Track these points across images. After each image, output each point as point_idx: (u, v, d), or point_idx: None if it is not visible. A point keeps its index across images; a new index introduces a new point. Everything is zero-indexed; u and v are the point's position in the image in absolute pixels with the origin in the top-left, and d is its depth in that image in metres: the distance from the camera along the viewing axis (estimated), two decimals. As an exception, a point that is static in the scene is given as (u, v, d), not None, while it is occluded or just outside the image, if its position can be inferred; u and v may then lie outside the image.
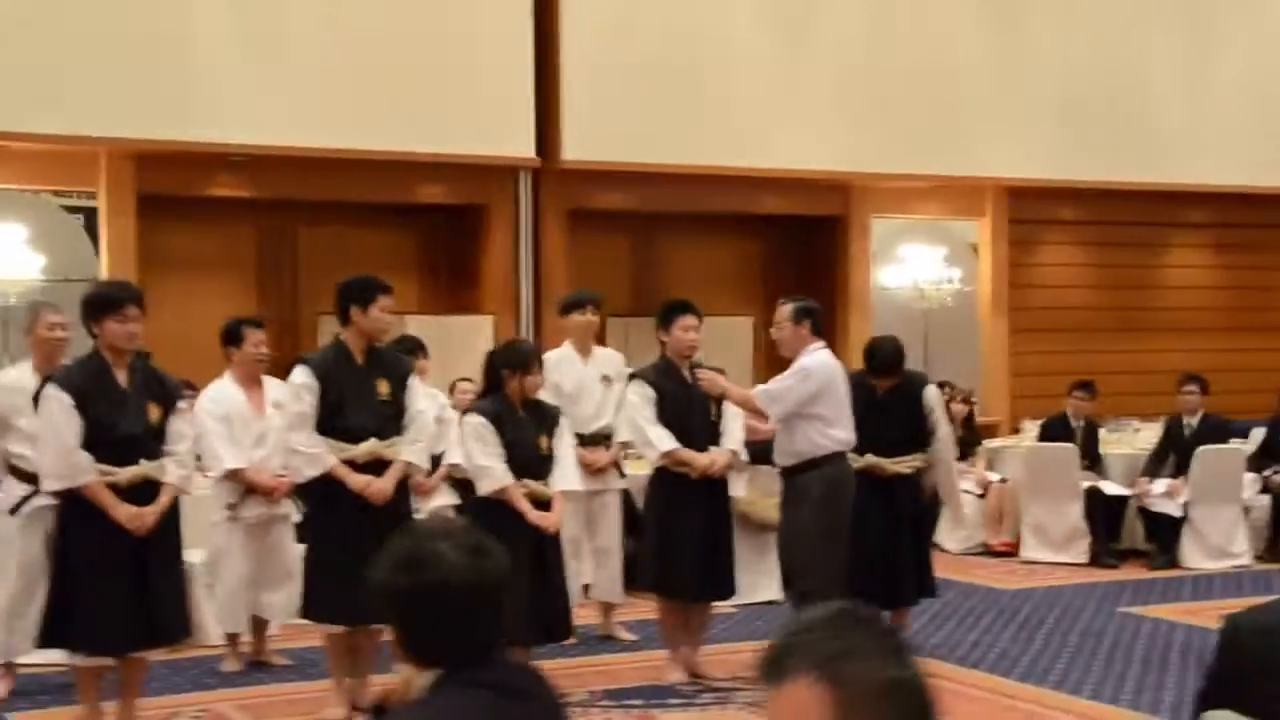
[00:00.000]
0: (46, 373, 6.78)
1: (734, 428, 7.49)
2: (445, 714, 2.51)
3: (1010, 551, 11.08)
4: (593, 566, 8.26)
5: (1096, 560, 10.68)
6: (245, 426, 7.61)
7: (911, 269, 13.91)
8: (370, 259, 12.63)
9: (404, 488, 6.85)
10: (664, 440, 7.28)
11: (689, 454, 7.28)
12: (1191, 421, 10.90)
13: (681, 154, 12.48)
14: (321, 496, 6.73)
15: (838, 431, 7.21)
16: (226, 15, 11.12)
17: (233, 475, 7.54)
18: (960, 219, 14.22)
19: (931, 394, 8.03)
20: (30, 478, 6.76)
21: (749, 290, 13.93)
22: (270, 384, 7.78)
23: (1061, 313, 14.40)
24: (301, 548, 7.91)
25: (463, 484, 8.95)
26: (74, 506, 6.16)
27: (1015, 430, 13.13)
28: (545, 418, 7.05)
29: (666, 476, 7.37)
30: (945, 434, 8.03)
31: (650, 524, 7.49)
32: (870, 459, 7.72)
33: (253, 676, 7.64)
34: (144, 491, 6.20)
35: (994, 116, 13.59)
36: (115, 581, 6.13)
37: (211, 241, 12.24)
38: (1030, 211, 14.30)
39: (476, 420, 6.87)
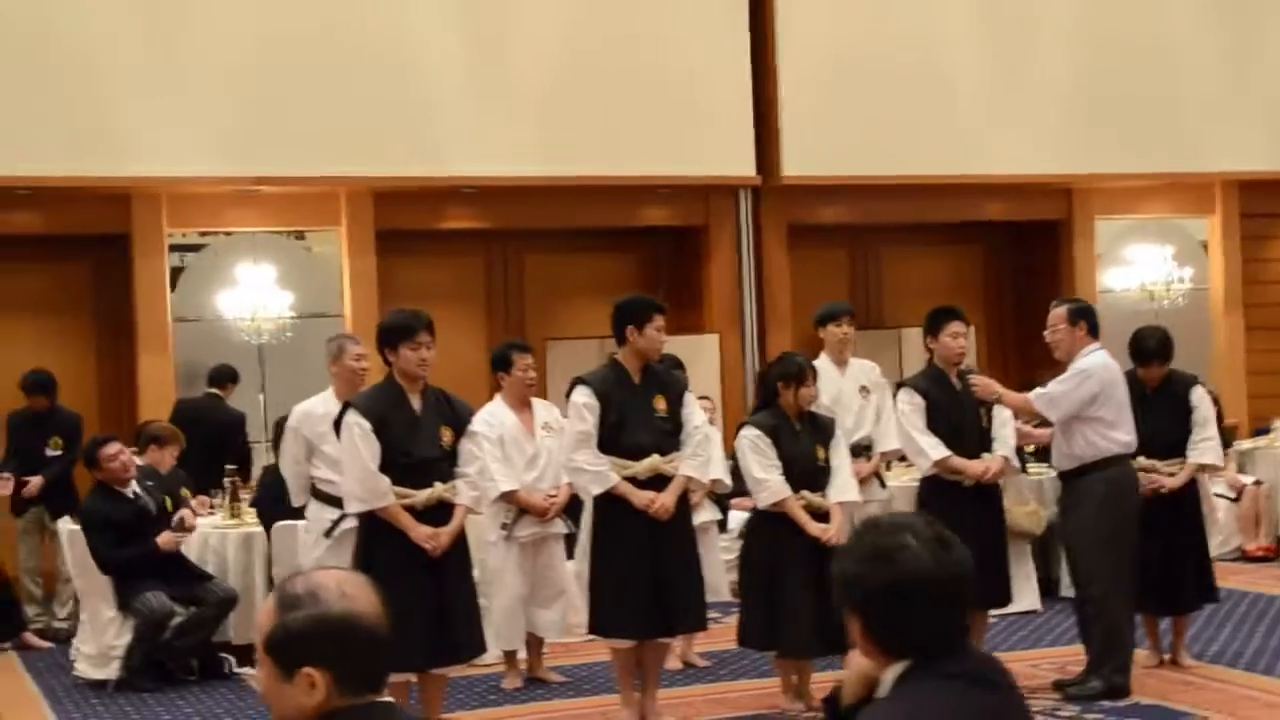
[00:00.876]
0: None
1: (1005, 434, 7.44)
2: (925, 707, 2.51)
3: (1269, 556, 10.81)
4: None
5: None
6: (518, 448, 7.79)
7: (1139, 270, 13.67)
8: (594, 283, 12.93)
9: (684, 501, 6.93)
10: (936, 448, 7.28)
11: (962, 462, 7.28)
12: None
13: (899, 165, 12.47)
14: (606, 513, 6.85)
15: (1119, 434, 7.11)
16: (453, 50, 11.41)
17: (507, 497, 7.72)
18: (1188, 217, 13.93)
19: (1199, 393, 7.83)
20: (336, 501, 7.02)
21: (969, 299, 13.57)
22: (539, 406, 7.95)
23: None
24: (572, 565, 8.14)
25: (720, 499, 9.12)
26: (375, 527, 6.40)
27: (1259, 431, 12.80)
28: (821, 429, 7.12)
29: (939, 484, 7.36)
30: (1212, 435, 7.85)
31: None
32: (1143, 461, 7.55)
33: (533, 693, 7.79)
34: (438, 512, 6.44)
35: (1219, 111, 13.29)
36: (415, 599, 6.33)
37: (443, 273, 12.56)
38: (1261, 206, 13.95)
39: (753, 433, 6.95)
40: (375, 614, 2.60)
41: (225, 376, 10.62)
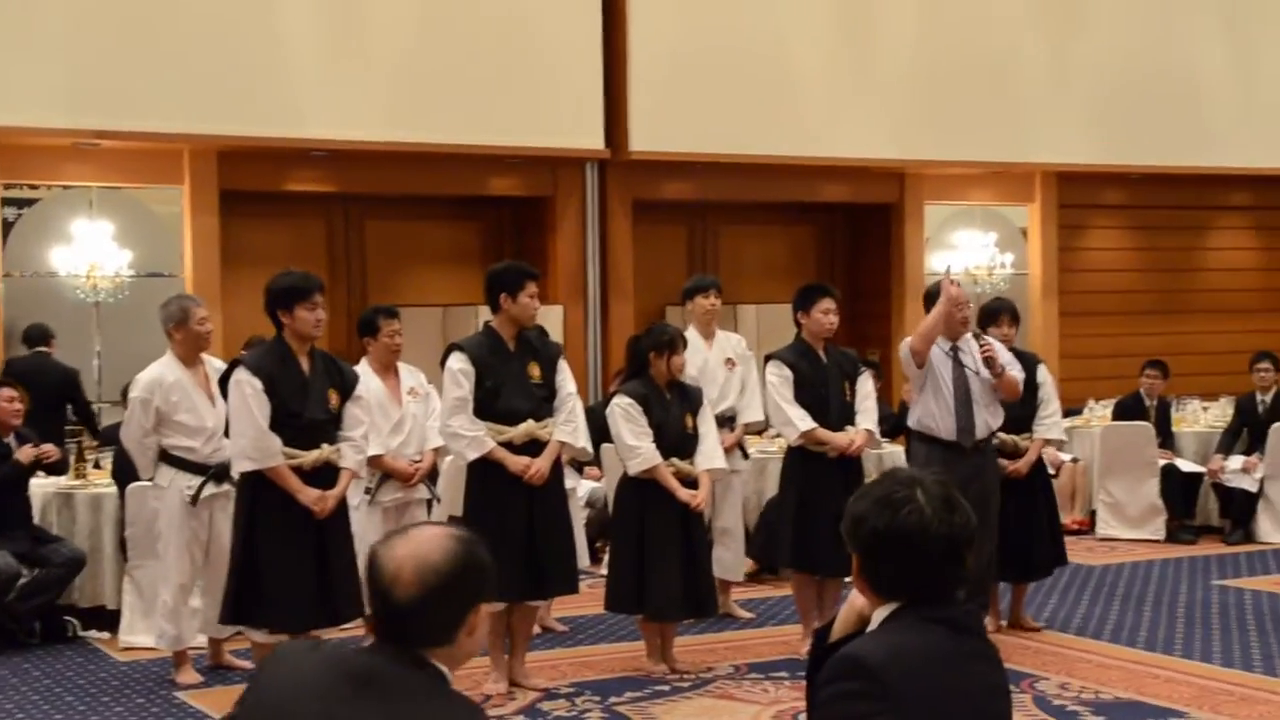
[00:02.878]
0: (193, 365, 7.02)
1: (868, 406, 7.64)
2: (907, 642, 2.66)
3: (1083, 529, 11.30)
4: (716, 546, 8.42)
5: (1172, 536, 10.87)
6: (384, 413, 7.74)
7: (964, 255, 14.12)
8: (439, 252, 12.92)
9: (557, 466, 7.00)
10: (803, 419, 7.44)
11: (827, 434, 7.45)
12: (1265, 398, 11.07)
13: (743, 144, 12.67)
14: (481, 478, 6.88)
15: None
16: (307, 12, 11.25)
17: (372, 462, 7.68)
18: (1011, 205, 14.43)
19: (1044, 371, 8.22)
20: (195, 467, 6.96)
21: (803, 278, 13.79)
22: (405, 371, 7.93)
23: (1109, 296, 14.65)
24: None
25: (580, 467, 9.22)
26: (259, 489, 6.35)
27: (1071, 411, 13.34)
28: (689, 398, 7.26)
29: (804, 455, 7.53)
30: (1056, 411, 8.25)
31: (788, 501, 7.64)
32: (1001, 436, 7.92)
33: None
34: (323, 475, 6.44)
35: (1044, 104, 13.81)
36: (300, 562, 6.33)
37: (286, 235, 12.38)
38: (1078, 196, 14.56)
39: (625, 402, 7.07)
40: None
41: (41, 334, 10.31)
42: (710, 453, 7.23)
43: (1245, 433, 11.11)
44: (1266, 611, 8.50)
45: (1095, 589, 9.23)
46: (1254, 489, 10.87)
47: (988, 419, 7.61)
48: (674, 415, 7.13)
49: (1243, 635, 7.93)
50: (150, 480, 7.32)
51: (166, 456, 7.19)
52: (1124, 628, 8.18)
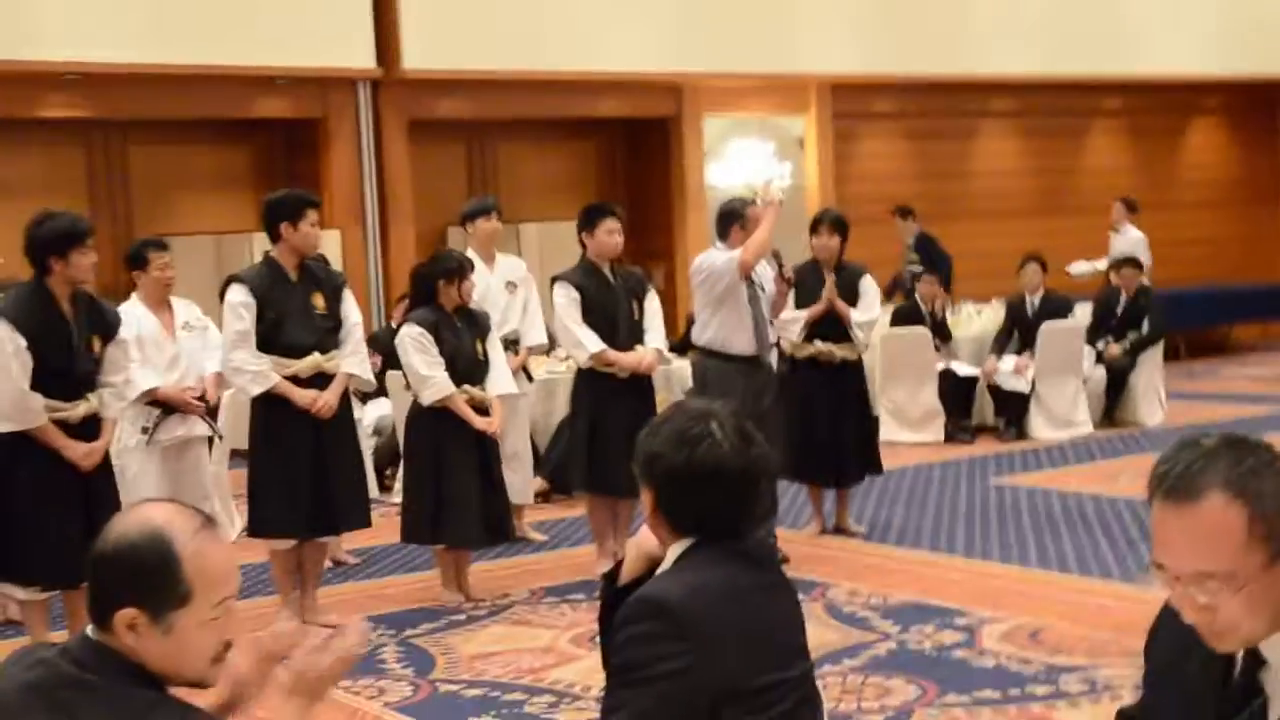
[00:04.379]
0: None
1: (656, 324, 7.70)
2: (705, 578, 2.68)
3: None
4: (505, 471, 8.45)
5: (951, 437, 11.29)
6: (158, 349, 7.51)
7: (742, 166, 14.30)
8: (206, 178, 12.61)
9: (346, 399, 6.94)
10: (593, 341, 7.46)
11: (617, 354, 7.49)
12: (1034, 300, 11.50)
13: (519, 59, 12.62)
14: (266, 413, 6.78)
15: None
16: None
17: (149, 395, 7.50)
18: (787, 115, 14.63)
19: (868, 281, 8.40)
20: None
21: (584, 195, 13.93)
22: (179, 305, 7.73)
23: (883, 204, 14.96)
24: (214, 469, 8.00)
25: (365, 397, 9.16)
26: (18, 447, 6.14)
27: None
28: (477, 324, 7.27)
29: (594, 376, 7.56)
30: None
31: (580, 424, 7.68)
32: (819, 345, 8.18)
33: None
34: (89, 424, 6.28)
35: (816, 14, 14.01)
36: (67, 516, 6.16)
37: (40, 165, 11.94)
38: (851, 106, 14.84)
39: (415, 331, 7.04)
40: None
41: None
42: (500, 378, 7.29)
43: (1016, 335, 11.53)
44: (1040, 508, 8.86)
45: (880, 493, 9.51)
46: (1026, 389, 11.30)
47: (770, 333, 7.79)
48: (465, 342, 7.14)
49: (1019, 532, 8.27)
50: None
51: None
52: (908, 531, 8.46)
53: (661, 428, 2.78)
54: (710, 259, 7.70)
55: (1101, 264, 13.62)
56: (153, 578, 2.35)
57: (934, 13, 14.64)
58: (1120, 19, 15.77)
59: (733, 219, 7.76)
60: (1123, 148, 17.07)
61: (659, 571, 2.79)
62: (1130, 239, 13.90)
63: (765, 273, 7.74)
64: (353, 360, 6.90)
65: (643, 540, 2.87)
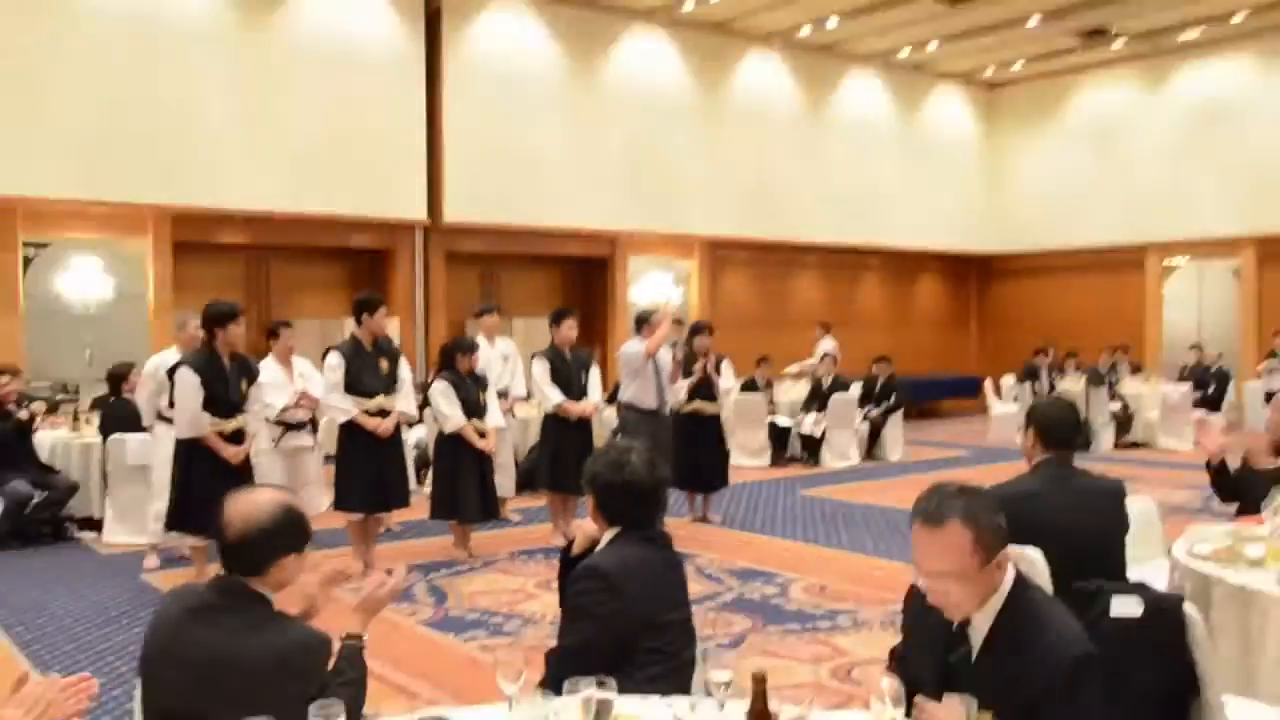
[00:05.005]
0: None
1: (596, 386, 7.61)
2: (629, 553, 2.71)
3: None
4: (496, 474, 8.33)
5: (774, 463, 11.24)
6: (281, 390, 7.34)
7: (652, 289, 14.01)
8: (318, 283, 12.31)
9: (397, 425, 6.82)
10: (556, 395, 7.42)
11: (571, 404, 7.45)
12: (827, 380, 11.61)
13: (519, 214, 12.41)
14: (346, 433, 6.70)
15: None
16: (226, 104, 10.69)
17: (278, 417, 7.29)
18: (681, 259, 14.40)
19: (727, 364, 8.40)
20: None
21: (553, 303, 13.75)
22: (297, 362, 7.53)
23: (738, 316, 14.80)
24: (316, 467, 7.86)
25: (410, 424, 9.02)
26: (194, 446, 6.14)
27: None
28: (480, 382, 7.22)
29: (556, 418, 7.50)
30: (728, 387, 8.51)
31: (546, 447, 7.58)
32: (696, 403, 8.20)
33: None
34: (237, 434, 6.27)
35: (703, 192, 13.82)
36: (224, 490, 6.02)
37: (216, 273, 11.63)
38: (721, 255, 14.75)
39: (442, 385, 6.98)
40: None
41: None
42: (494, 416, 7.21)
43: (815, 401, 11.53)
44: (830, 510, 8.81)
45: (731, 497, 9.37)
46: (818, 434, 11.31)
47: (670, 395, 7.79)
48: (473, 393, 7.08)
49: (816, 524, 8.21)
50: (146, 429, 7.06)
51: (161, 418, 6.91)
52: (750, 522, 8.34)
53: (600, 456, 2.81)
54: (631, 347, 7.74)
55: (810, 362, 13.00)
56: (301, 529, 2.42)
57: (774, 196, 14.48)
58: (879, 201, 15.71)
59: (643, 322, 7.85)
60: (878, 291, 16.93)
61: (598, 549, 2.79)
62: (826, 345, 13.65)
63: (664, 356, 7.77)
64: (403, 401, 6.85)
65: (586, 527, 2.88)
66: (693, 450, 8.07)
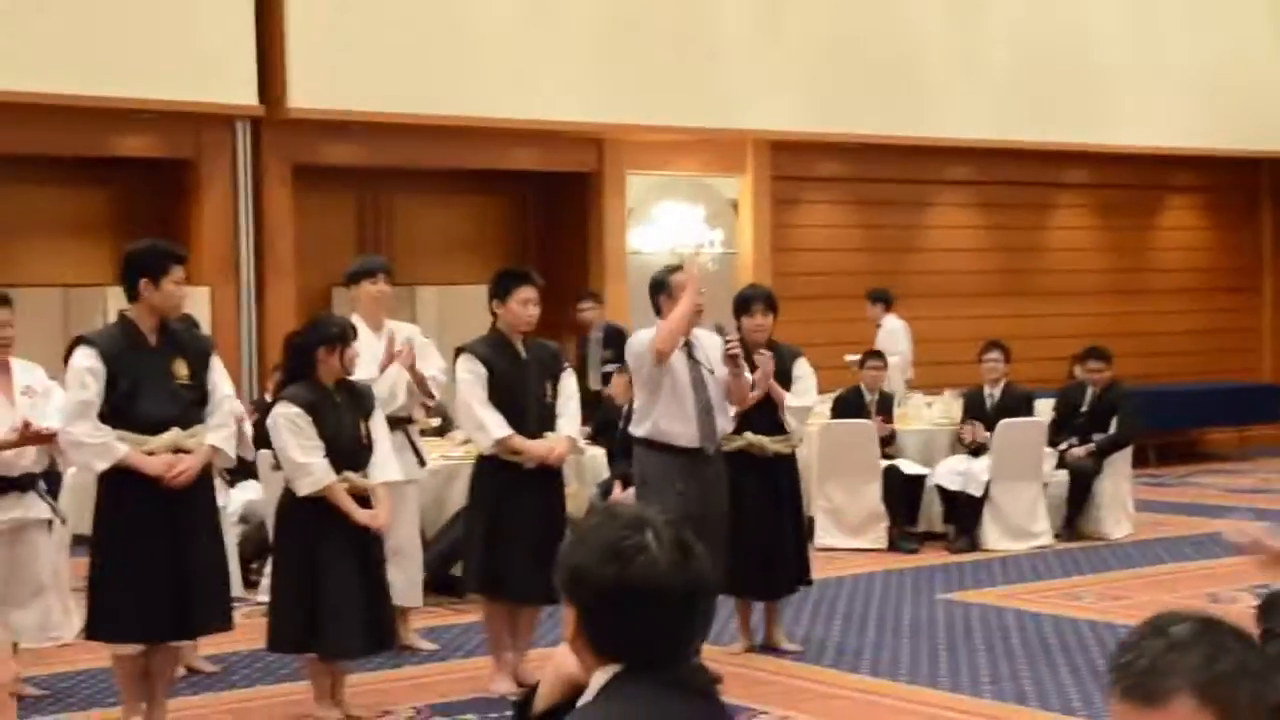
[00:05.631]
0: None
1: (571, 409, 7.63)
2: (639, 714, 2.64)
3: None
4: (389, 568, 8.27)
5: (894, 545, 11.26)
6: (-8, 416, 7.29)
7: (669, 230, 14.26)
8: (56, 223, 12.52)
9: (208, 479, 6.77)
10: (498, 425, 7.38)
11: (525, 441, 7.42)
12: (994, 392, 11.55)
13: (421, 102, 12.60)
14: (114, 493, 6.56)
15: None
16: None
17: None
18: (719, 175, 14.67)
19: (803, 365, 8.40)
20: None
21: (490, 257, 13.96)
22: (19, 368, 7.47)
23: (825, 278, 15.05)
24: (56, 558, 7.74)
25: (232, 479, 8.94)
26: None
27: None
28: (361, 400, 7.16)
29: (497, 465, 7.48)
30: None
31: (478, 517, 7.60)
32: (749, 437, 8.12)
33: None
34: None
35: (756, 63, 14.09)
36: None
37: None
38: (792, 167, 14.94)
39: (291, 411, 6.90)
40: None
41: None
42: (386, 463, 7.17)
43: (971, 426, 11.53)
44: (994, 626, 8.87)
45: (816, 606, 9.45)
46: (978, 493, 11.28)
47: (723, 422, 7.72)
48: (346, 423, 7.01)
49: (970, 655, 8.25)
50: None
51: None
52: (847, 651, 8.41)
53: (588, 537, 2.72)
54: (637, 340, 7.74)
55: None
56: None
57: (887, 66, 14.73)
58: (1090, 83, 15.94)
59: (659, 290, 7.79)
60: (1089, 224, 17.26)
61: (581, 702, 2.73)
62: (889, 330, 13.91)
63: (708, 346, 7.71)
64: (219, 434, 6.72)
65: (562, 663, 2.83)
66: (744, 521, 7.98)
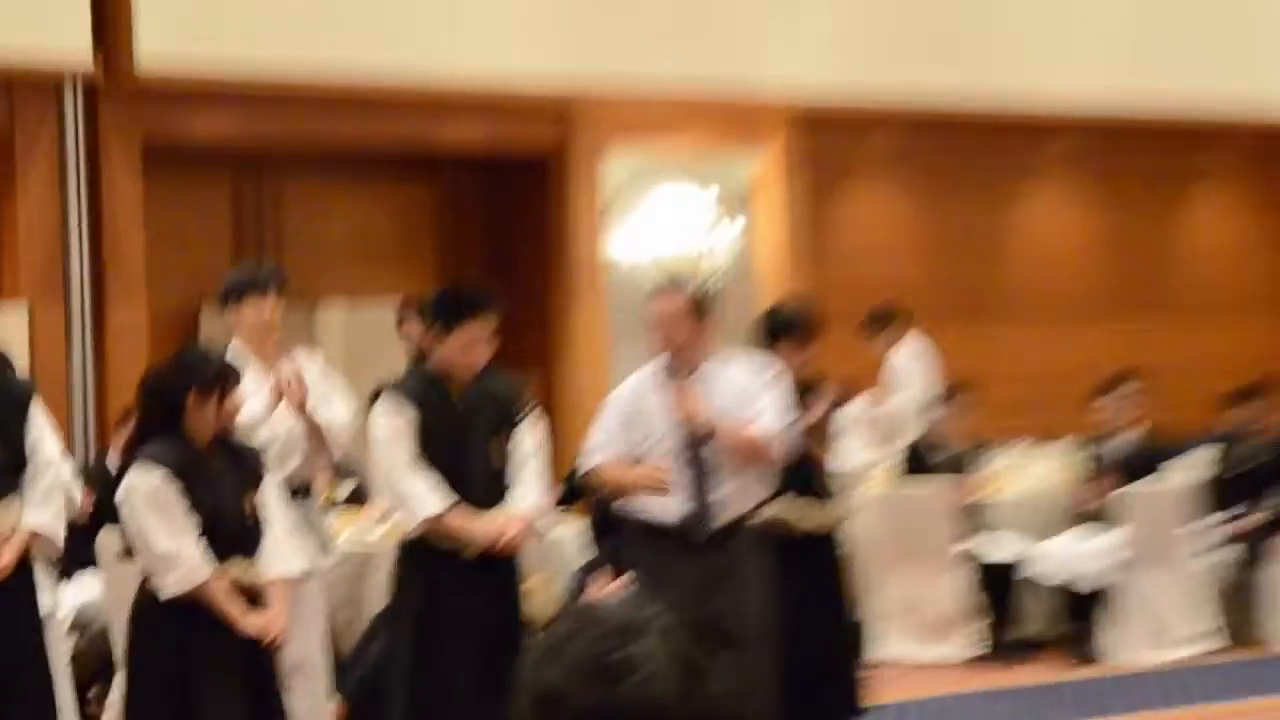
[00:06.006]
0: None
1: (532, 471, 7.73)
2: None
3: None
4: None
5: (989, 655, 11.33)
6: None
7: (662, 229, 14.31)
8: None
9: (27, 571, 6.97)
10: (429, 498, 7.48)
11: (466, 520, 7.52)
12: (1125, 442, 11.62)
13: (318, 61, 12.65)
14: None
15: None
16: None
17: None
18: (732, 154, 14.67)
19: (851, 411, 8.50)
20: None
21: (416, 263, 14.17)
22: None
23: (880, 291, 14.95)
24: None
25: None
26: None
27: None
28: (246, 464, 7.25)
29: (429, 551, 7.59)
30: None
31: (405, 624, 7.69)
32: (777, 507, 8.27)
33: None
34: None
35: (780, 5, 14.20)
36: None
37: None
38: (833, 144, 14.95)
39: (153, 480, 6.94)
40: None
41: None
42: (281, 549, 7.26)
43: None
44: None
45: None
46: (1104, 582, 11.36)
47: (735, 493, 7.79)
48: (227, 493, 7.10)
49: None
50: None
51: None
52: None
53: (563, 650, 2.60)
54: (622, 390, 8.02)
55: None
56: None
57: (959, 13, 14.84)
58: (1246, 31, 16.02)
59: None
60: (1240, 220, 17.28)
61: None
62: (908, 352, 14.09)
63: (728, 382, 7.85)
64: (43, 512, 6.93)
65: None
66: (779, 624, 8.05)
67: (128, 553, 7.27)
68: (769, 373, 7.97)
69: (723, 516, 7.82)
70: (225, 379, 7.12)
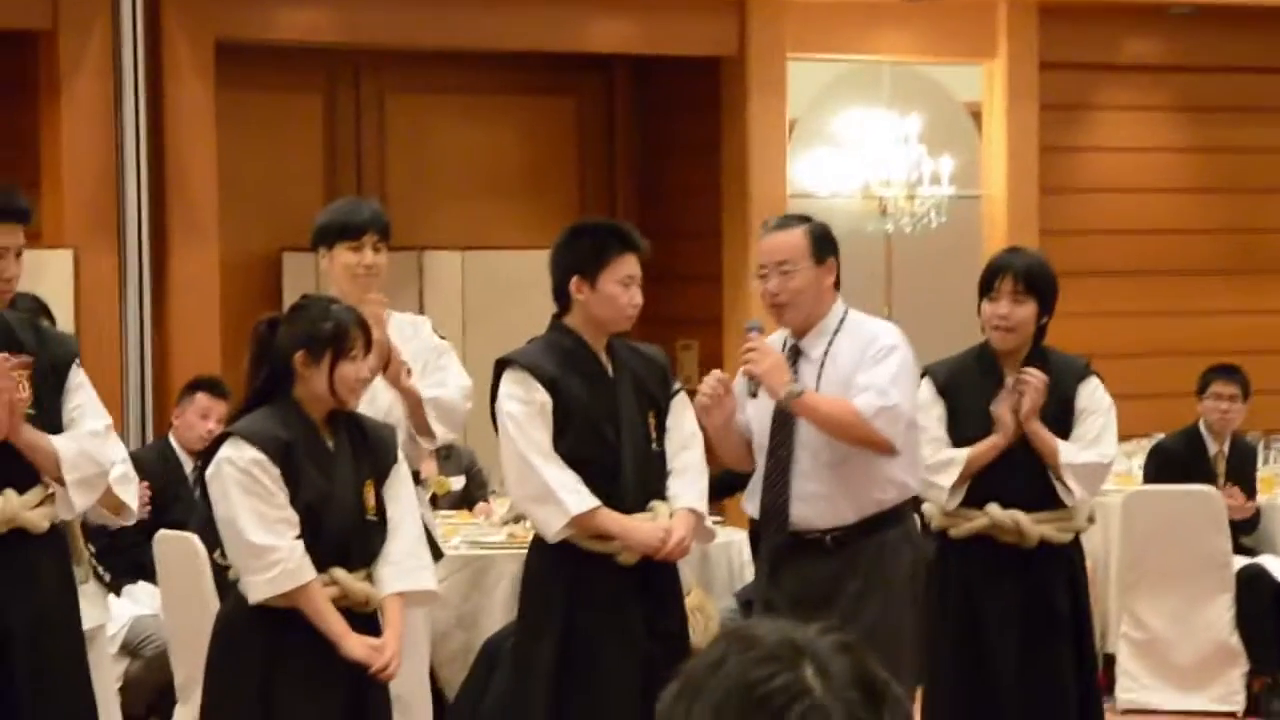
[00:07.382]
0: None
1: (690, 461, 7.75)
2: None
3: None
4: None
5: (1263, 708, 11.32)
6: None
7: (858, 158, 14.52)
8: None
9: (68, 576, 7.22)
10: (575, 495, 7.44)
11: (619, 519, 7.51)
12: None
13: None
14: None
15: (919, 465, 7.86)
16: None
17: None
18: (950, 62, 14.92)
19: (1091, 393, 8.47)
20: None
21: (551, 200, 14.37)
22: None
23: (1131, 240, 15.17)
24: None
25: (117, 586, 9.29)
26: None
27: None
28: (372, 449, 7.24)
29: (570, 558, 7.60)
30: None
31: (539, 647, 7.67)
32: (993, 512, 8.30)
33: None
34: None
35: None
36: None
37: None
38: (1079, 50, 15.07)
39: (248, 456, 6.95)
40: None
41: None
42: (405, 559, 7.22)
43: None
44: None
45: None
46: None
47: (838, 484, 7.80)
48: (344, 482, 7.12)
49: None
50: None
51: None
52: None
53: (710, 679, 2.83)
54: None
55: None
56: None
57: None
58: None
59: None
60: None
61: None
62: None
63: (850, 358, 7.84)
64: (78, 495, 7.07)
65: None
66: (983, 652, 8.26)
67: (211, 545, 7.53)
68: (893, 339, 7.82)
69: (807, 514, 7.75)
70: (341, 338, 7.03)
